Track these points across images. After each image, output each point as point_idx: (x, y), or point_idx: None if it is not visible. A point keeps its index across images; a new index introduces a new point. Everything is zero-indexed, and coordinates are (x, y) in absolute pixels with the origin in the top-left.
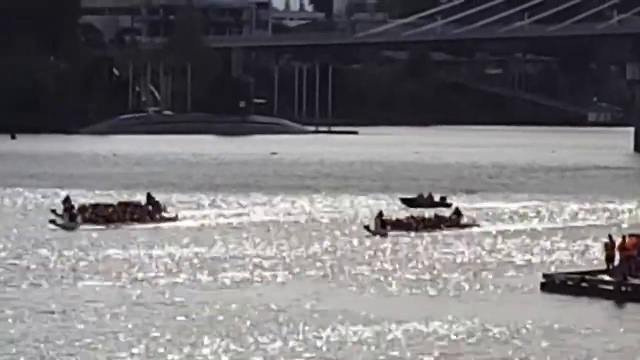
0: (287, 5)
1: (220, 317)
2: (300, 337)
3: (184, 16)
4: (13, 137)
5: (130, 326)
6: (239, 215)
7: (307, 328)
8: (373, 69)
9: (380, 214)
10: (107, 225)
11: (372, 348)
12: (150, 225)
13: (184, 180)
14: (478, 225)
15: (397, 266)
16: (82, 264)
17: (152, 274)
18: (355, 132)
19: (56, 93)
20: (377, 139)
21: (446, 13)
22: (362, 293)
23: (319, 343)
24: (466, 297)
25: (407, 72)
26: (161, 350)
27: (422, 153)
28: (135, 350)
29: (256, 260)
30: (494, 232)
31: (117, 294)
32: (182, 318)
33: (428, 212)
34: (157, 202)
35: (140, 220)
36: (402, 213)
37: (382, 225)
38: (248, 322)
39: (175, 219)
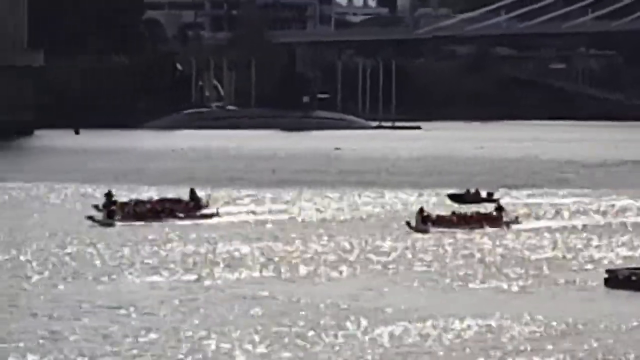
0: (350, 0)
1: (285, 312)
2: (364, 332)
3: (247, 11)
4: (77, 132)
5: (196, 321)
6: (285, 211)
7: (370, 323)
8: (436, 64)
9: (422, 210)
10: (145, 222)
11: (434, 344)
12: (189, 222)
13: (244, 175)
14: (520, 222)
15: (452, 262)
16: (121, 259)
17: (206, 270)
18: (418, 127)
19: (120, 88)
20: (440, 134)
21: (510, 7)
22: (419, 289)
23: (382, 339)
24: (528, 293)
25: (471, 67)
26: (227, 345)
27: (486, 148)
28: (201, 346)
29: (306, 256)
30: (552, 228)
31: (173, 289)
32: (247, 313)
33: (470, 209)
34: (198, 198)
35: (179, 216)
36: (444, 209)
37: (424, 221)
38: (311, 318)
39: (216, 215)
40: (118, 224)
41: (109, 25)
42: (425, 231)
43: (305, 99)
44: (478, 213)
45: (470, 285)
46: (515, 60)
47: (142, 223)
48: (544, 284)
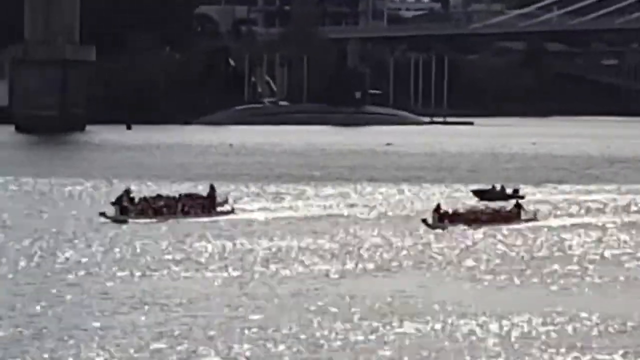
0: None
1: (333, 308)
2: (416, 328)
3: (300, 6)
4: (129, 128)
5: (251, 316)
6: (328, 207)
7: (421, 319)
8: (489, 59)
9: (439, 207)
10: (159, 219)
11: (487, 341)
12: (207, 219)
13: (291, 170)
14: (538, 220)
15: (494, 258)
16: (139, 255)
17: (247, 266)
18: (470, 123)
19: (172, 84)
20: (492, 130)
21: (563, 4)
22: (465, 285)
23: (431, 335)
24: (582, 289)
25: (523, 62)
26: (279, 338)
27: (539, 144)
28: (260, 340)
29: (350, 252)
30: (579, 224)
31: (213, 285)
32: (295, 308)
33: (488, 206)
34: (215, 195)
35: (194, 213)
36: (461, 206)
37: (440, 218)
38: (358, 314)
39: (231, 212)
40: (131, 220)
41: (162, 21)
42: (442, 228)
43: (357, 94)
44: (495, 210)
45: (521, 282)
46: (566, 56)
47: (155, 220)
48: (596, 280)
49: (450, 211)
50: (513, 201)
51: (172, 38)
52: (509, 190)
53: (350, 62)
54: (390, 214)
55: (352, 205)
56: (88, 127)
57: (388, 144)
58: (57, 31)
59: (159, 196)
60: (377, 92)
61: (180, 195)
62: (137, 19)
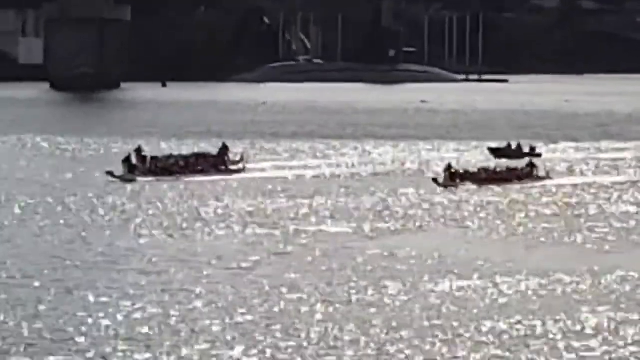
0: None
1: (368, 267)
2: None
3: None
4: (164, 85)
5: (271, 272)
6: (351, 165)
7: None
8: (523, 17)
9: (449, 166)
10: (167, 177)
11: (517, 298)
12: (218, 177)
13: (322, 128)
14: (552, 178)
15: (535, 218)
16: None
17: (269, 223)
18: (505, 81)
19: (207, 43)
20: (527, 88)
21: None
22: (509, 244)
23: (467, 293)
24: (627, 249)
25: (557, 21)
26: (308, 298)
27: (572, 102)
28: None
29: (373, 210)
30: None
31: (245, 243)
32: (329, 268)
33: (500, 165)
34: (226, 154)
35: (204, 171)
36: (473, 165)
37: (451, 178)
38: (389, 271)
39: (243, 170)
40: (139, 179)
41: None
42: (453, 187)
43: (392, 52)
44: (508, 168)
45: (565, 241)
46: (600, 14)
47: (164, 178)
48: (623, 241)
49: (461, 170)
50: (527, 159)
51: None
52: (526, 149)
53: (384, 20)
54: (417, 170)
55: (381, 163)
56: (123, 85)
57: (423, 102)
58: None
59: (171, 155)
60: (412, 49)
61: (193, 154)
62: None
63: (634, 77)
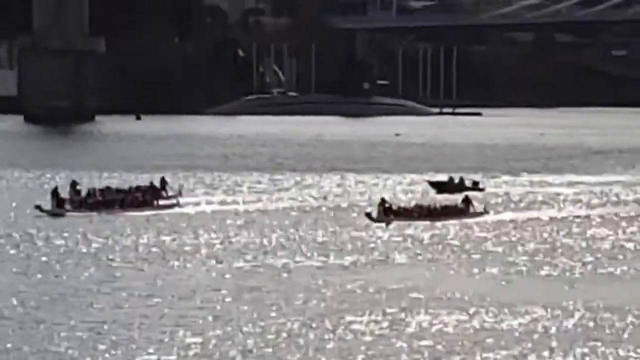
0: None
1: (344, 302)
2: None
3: None
4: (138, 118)
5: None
6: (321, 198)
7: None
8: (497, 50)
9: (383, 201)
10: (97, 212)
11: (496, 332)
12: (149, 212)
13: (291, 160)
14: (487, 214)
15: (512, 250)
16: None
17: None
18: (479, 114)
19: (182, 75)
20: (501, 120)
21: None
22: (478, 277)
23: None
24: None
25: (532, 53)
26: (293, 328)
27: (547, 135)
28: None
29: (345, 243)
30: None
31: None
32: (301, 302)
33: (434, 201)
34: (156, 189)
35: (135, 206)
36: (406, 201)
37: (385, 213)
38: (370, 303)
39: (176, 205)
40: (69, 213)
41: (172, 11)
42: (386, 222)
43: (366, 85)
44: (442, 205)
45: (526, 273)
46: (575, 47)
47: (93, 213)
48: (590, 274)
49: (395, 206)
50: (463, 195)
51: (183, 29)
52: (467, 182)
53: (358, 53)
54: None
55: (324, 197)
56: (98, 118)
57: (397, 134)
58: (67, 21)
59: (107, 189)
60: (386, 82)
61: (130, 187)
62: (147, 10)
63: (610, 109)
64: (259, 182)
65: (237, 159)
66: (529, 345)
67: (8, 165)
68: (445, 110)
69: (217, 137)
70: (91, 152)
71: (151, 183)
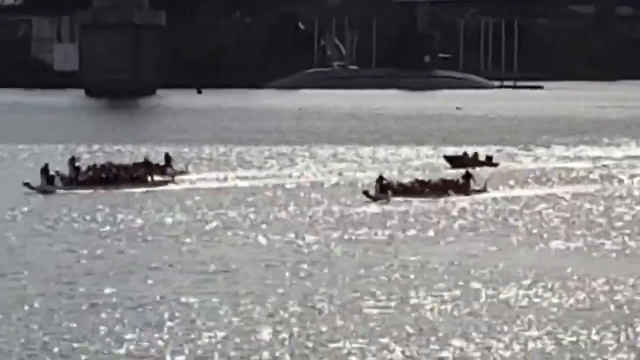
0: None
1: (395, 276)
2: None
3: None
4: (199, 92)
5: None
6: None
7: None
8: (558, 23)
9: (381, 178)
10: (89, 189)
11: (551, 302)
12: (143, 189)
13: (351, 134)
14: (488, 191)
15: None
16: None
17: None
18: (540, 87)
19: (242, 48)
20: (561, 94)
21: None
22: (531, 250)
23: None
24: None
25: (593, 26)
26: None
27: (607, 108)
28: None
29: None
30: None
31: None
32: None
33: (435, 176)
34: (151, 165)
35: (129, 182)
36: (406, 177)
37: (382, 189)
38: (428, 278)
39: (171, 181)
40: (60, 190)
41: None
42: (385, 200)
43: (427, 58)
44: (443, 180)
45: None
46: (635, 20)
47: (85, 190)
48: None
49: (394, 182)
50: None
51: (242, 2)
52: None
53: (419, 26)
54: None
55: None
56: (158, 91)
57: (458, 108)
58: None
59: (109, 165)
60: (447, 55)
61: (133, 164)
62: None
63: None
64: (310, 155)
65: (291, 132)
66: (594, 318)
67: (68, 139)
68: (507, 83)
69: (276, 110)
70: (151, 125)
71: (145, 159)
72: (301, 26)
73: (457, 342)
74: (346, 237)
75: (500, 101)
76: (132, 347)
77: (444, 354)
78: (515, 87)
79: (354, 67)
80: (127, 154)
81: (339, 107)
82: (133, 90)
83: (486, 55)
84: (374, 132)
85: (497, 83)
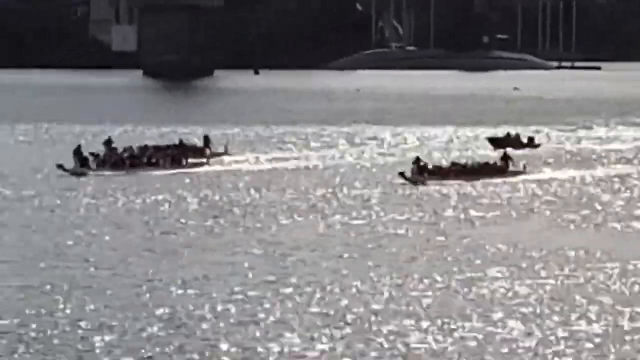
0: None
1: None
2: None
3: None
4: (256, 73)
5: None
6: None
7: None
8: (617, 4)
9: (418, 159)
10: (122, 171)
11: (612, 286)
12: (173, 171)
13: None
14: (526, 172)
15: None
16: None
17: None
18: (598, 68)
19: (300, 29)
20: (619, 75)
21: None
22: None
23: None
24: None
25: None
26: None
27: None
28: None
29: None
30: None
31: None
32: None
33: (473, 159)
34: (187, 147)
35: (161, 165)
36: (450, 159)
37: (420, 172)
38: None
39: (206, 163)
40: (92, 173)
41: None
42: (421, 182)
43: (485, 39)
44: (480, 163)
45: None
46: None
47: (118, 172)
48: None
49: (430, 165)
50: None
51: None
52: (524, 139)
53: (477, 7)
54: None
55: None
56: (216, 72)
57: (515, 89)
58: None
59: (146, 146)
60: (505, 36)
61: (171, 144)
62: None
63: None
64: (363, 136)
65: (344, 113)
66: None
67: (127, 119)
68: (565, 64)
69: (334, 91)
70: (207, 106)
71: (180, 140)
72: (359, 7)
73: (514, 324)
74: (395, 217)
75: (557, 82)
76: (184, 327)
77: (503, 333)
78: (573, 67)
79: (412, 48)
80: (179, 134)
81: (396, 88)
82: (190, 71)
83: (544, 36)
84: (431, 113)
85: (555, 64)
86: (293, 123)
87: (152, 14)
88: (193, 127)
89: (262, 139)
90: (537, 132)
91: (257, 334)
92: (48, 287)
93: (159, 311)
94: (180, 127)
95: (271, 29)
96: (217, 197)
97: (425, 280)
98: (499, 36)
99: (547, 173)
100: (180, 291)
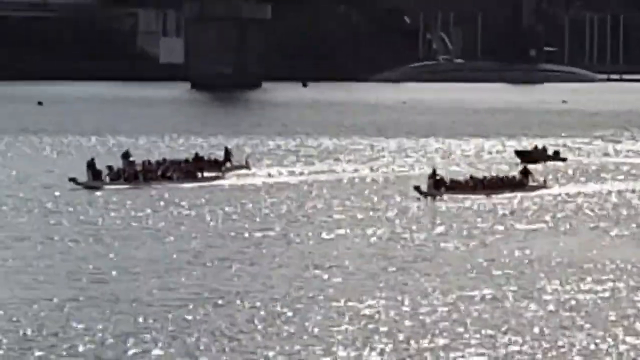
0: None
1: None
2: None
3: None
4: (304, 85)
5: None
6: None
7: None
8: None
9: (434, 173)
10: (134, 185)
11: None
12: (188, 185)
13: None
14: (547, 187)
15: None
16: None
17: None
18: None
19: (347, 42)
20: None
21: None
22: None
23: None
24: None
25: None
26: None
27: None
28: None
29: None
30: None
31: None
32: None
33: (490, 173)
34: (201, 160)
35: (175, 179)
36: (460, 173)
37: (436, 185)
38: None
39: (220, 177)
40: (106, 187)
41: None
42: (437, 196)
43: (532, 52)
44: (498, 177)
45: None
46: None
47: (131, 185)
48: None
49: (446, 178)
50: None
51: None
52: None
53: (524, 20)
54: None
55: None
56: (264, 84)
57: (564, 102)
58: None
59: (163, 160)
60: (553, 49)
61: (187, 159)
62: None
63: None
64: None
65: (392, 126)
66: None
67: (175, 131)
68: (613, 77)
69: (381, 104)
70: (255, 118)
71: (196, 154)
72: (407, 20)
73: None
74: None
75: (605, 94)
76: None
77: (563, 344)
78: (621, 80)
79: (460, 61)
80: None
81: (443, 100)
82: (238, 83)
83: (591, 49)
84: (474, 125)
85: (603, 76)
86: (337, 135)
87: (200, 26)
88: (237, 139)
89: (293, 151)
90: (580, 144)
91: (295, 347)
92: (56, 300)
93: (170, 327)
94: (225, 139)
95: (319, 41)
96: (230, 210)
97: (474, 294)
98: (547, 48)
99: (568, 187)
100: (189, 307)
